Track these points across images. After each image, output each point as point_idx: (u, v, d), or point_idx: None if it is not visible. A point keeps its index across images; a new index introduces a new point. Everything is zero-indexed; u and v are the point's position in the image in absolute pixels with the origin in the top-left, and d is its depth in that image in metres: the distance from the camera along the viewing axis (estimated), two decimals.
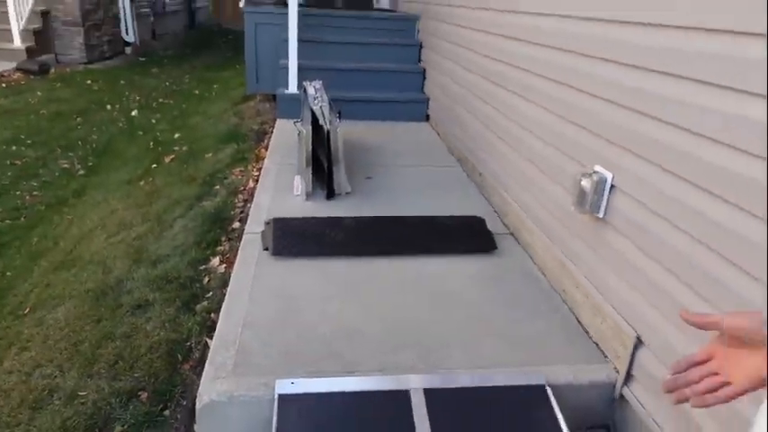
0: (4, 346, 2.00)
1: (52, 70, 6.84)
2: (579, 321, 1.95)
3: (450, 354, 1.76)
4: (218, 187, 3.30)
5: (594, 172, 1.79)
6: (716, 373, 0.71)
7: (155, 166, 3.95)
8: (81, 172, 3.98)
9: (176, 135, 4.73)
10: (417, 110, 4.63)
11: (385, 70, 4.72)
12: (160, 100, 6.17)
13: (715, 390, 0.70)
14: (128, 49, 8.75)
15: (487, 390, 1.63)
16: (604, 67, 1.82)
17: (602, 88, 1.83)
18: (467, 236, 2.54)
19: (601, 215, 1.80)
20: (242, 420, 1.54)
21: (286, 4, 4.72)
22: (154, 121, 5.33)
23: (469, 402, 1.60)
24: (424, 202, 2.89)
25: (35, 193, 3.57)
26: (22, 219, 3.17)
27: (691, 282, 1.40)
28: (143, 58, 8.61)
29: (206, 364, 1.64)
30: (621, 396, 1.68)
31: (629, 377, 1.66)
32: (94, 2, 7.58)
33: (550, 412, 1.58)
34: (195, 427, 1.59)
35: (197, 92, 6.64)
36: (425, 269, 2.26)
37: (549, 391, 1.63)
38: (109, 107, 5.67)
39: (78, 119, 5.19)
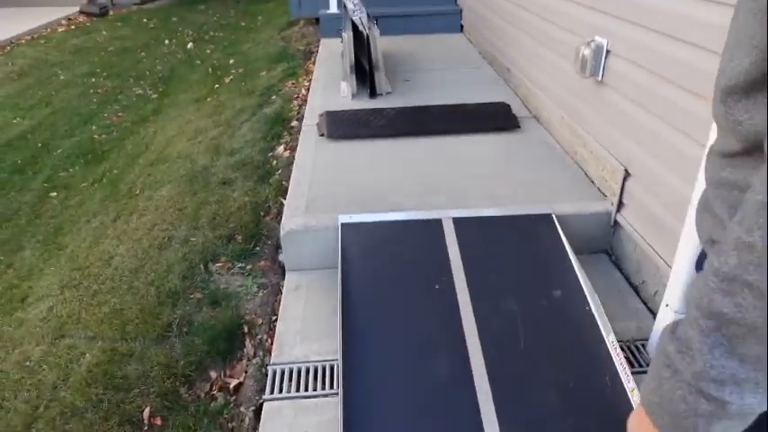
0: (126, 215, 2.57)
1: (110, 12, 7.36)
2: (586, 174, 2.33)
3: (474, 196, 2.20)
4: (274, 97, 3.75)
5: (593, 41, 2.12)
6: None
7: (217, 86, 4.43)
8: (153, 96, 4.51)
9: (231, 61, 5.18)
10: (452, 21, 4.87)
11: None
12: (211, 33, 6.60)
13: None
14: None
15: (503, 218, 2.06)
16: None
17: None
18: (494, 118, 2.91)
19: (599, 78, 2.14)
20: (315, 243, 2.04)
21: None
22: (208, 51, 5.78)
23: (489, 227, 2.04)
24: (456, 96, 3.25)
25: (120, 114, 4.13)
26: (115, 133, 3.75)
27: (669, 119, 1.75)
28: None
29: (284, 209, 2.14)
30: (616, 222, 2.08)
31: (621, 205, 2.05)
32: None
33: (555, 234, 2.00)
34: (280, 252, 2.11)
35: (243, 24, 7.02)
36: (456, 143, 2.66)
37: (555, 218, 2.04)
38: (167, 42, 6.16)
39: (142, 53, 5.71)
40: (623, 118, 2.00)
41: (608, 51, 2.09)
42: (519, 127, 2.83)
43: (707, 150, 0.69)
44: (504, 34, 3.56)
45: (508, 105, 3.02)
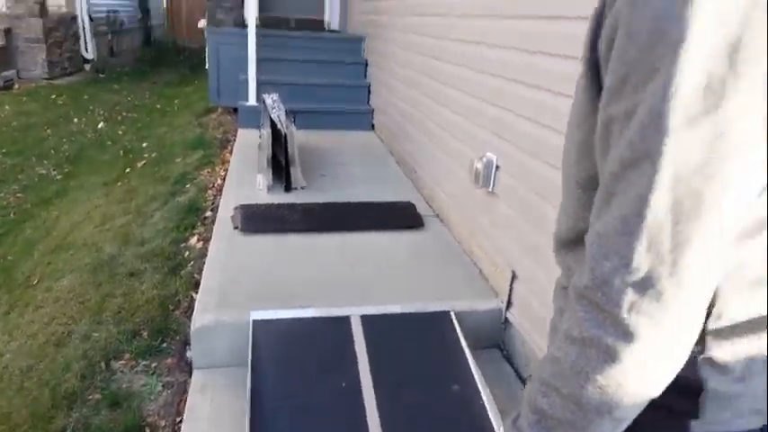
0: (21, 306, 2.45)
1: (16, 86, 7.13)
2: (481, 272, 2.57)
3: (380, 293, 2.35)
4: (189, 185, 3.80)
5: (484, 156, 2.43)
6: None
7: (128, 170, 4.40)
8: (58, 177, 4.38)
9: (144, 144, 5.17)
10: (364, 120, 5.24)
11: (335, 85, 5.33)
12: (124, 113, 6.57)
13: None
14: (87, 66, 9.05)
15: (406, 315, 2.22)
16: (494, 80, 2.47)
17: (489, 95, 2.48)
18: (399, 216, 3.14)
19: (491, 189, 2.43)
20: (225, 340, 2.07)
21: (244, 26, 5.29)
22: (120, 132, 5.74)
23: (393, 324, 2.18)
24: (367, 193, 3.48)
25: (19, 195, 3.96)
26: (12, 215, 3.58)
27: (544, 230, 2.03)
28: (102, 75, 8.93)
29: (195, 304, 2.16)
30: (506, 319, 2.30)
31: (509, 304, 2.28)
32: (55, 20, 7.91)
33: (453, 330, 2.18)
34: (188, 348, 2.11)
35: (159, 106, 7.06)
36: (366, 240, 2.84)
37: (453, 315, 2.23)
38: (76, 120, 6.04)
39: (48, 130, 5.55)
40: (510, 225, 2.28)
41: (497, 166, 2.40)
42: (423, 225, 3.07)
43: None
44: (410, 138, 3.90)
45: (414, 205, 3.28)
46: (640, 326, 0.50)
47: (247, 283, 2.33)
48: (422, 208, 3.28)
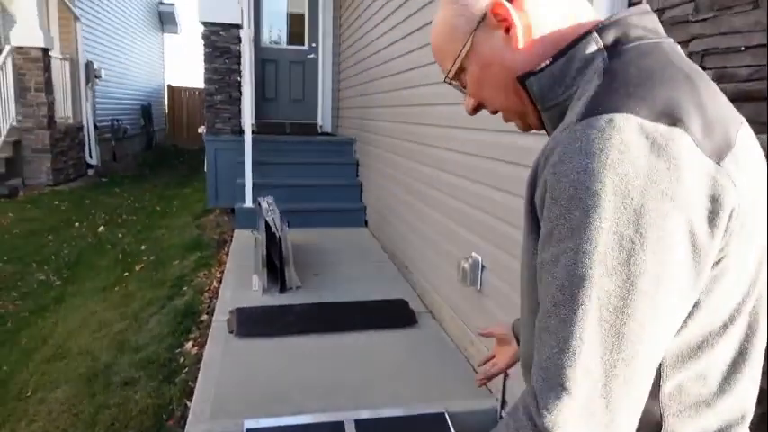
0: (14, 421, 2.42)
1: (21, 193, 7.36)
2: (474, 369, 2.59)
3: (374, 395, 2.36)
4: (185, 288, 3.86)
5: (470, 256, 2.54)
6: (495, 360, 1.27)
7: (126, 274, 4.47)
8: (57, 283, 4.44)
9: (143, 247, 5.29)
10: (357, 217, 5.42)
11: (328, 185, 5.57)
12: (124, 216, 6.75)
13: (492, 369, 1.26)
14: (90, 171, 9.40)
15: (400, 419, 2.22)
16: (482, 188, 2.64)
17: (471, 198, 2.63)
18: (394, 314, 3.20)
19: (478, 287, 2.52)
20: None
21: (241, 133, 5.61)
22: (120, 235, 5.87)
23: (387, 427, 2.17)
24: (361, 291, 3.56)
25: (17, 302, 4.00)
26: (9, 324, 3.60)
27: None
28: (105, 179, 9.24)
29: (189, 414, 2.16)
30: (502, 417, 2.29)
31: (504, 402, 2.29)
32: (62, 131, 8.32)
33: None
34: None
35: (158, 208, 7.26)
36: (360, 340, 2.87)
37: (448, 417, 2.23)
38: (77, 224, 6.20)
39: (49, 236, 5.68)
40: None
41: (483, 266, 2.51)
42: (416, 322, 3.12)
43: None
44: (402, 235, 4.04)
45: (406, 302, 3.34)
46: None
47: (242, 390, 2.34)
48: (415, 304, 3.34)
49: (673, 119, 0.56)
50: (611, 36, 0.66)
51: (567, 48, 0.68)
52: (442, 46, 0.78)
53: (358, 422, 2.17)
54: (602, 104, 0.59)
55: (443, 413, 2.24)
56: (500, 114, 0.81)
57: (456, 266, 2.72)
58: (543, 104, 0.72)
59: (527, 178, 0.68)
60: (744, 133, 0.63)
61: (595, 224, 0.55)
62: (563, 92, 0.69)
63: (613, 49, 0.66)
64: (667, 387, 0.63)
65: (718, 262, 0.60)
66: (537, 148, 2.08)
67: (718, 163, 0.57)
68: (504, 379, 2.27)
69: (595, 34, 0.67)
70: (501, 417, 2.29)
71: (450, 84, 0.82)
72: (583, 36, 0.68)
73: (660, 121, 0.56)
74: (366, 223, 5.37)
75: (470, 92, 0.80)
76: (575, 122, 0.59)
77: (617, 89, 0.60)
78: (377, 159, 4.92)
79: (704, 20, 1.18)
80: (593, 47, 0.67)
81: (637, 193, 0.55)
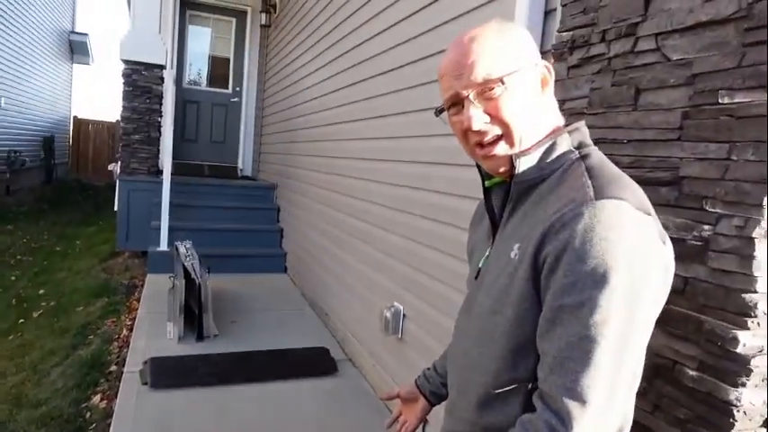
0: None
1: None
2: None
3: None
4: (92, 337, 3.65)
5: (392, 306, 2.66)
6: (405, 419, 1.35)
7: (21, 321, 4.14)
8: None
9: (41, 291, 4.93)
10: (277, 263, 5.40)
11: (248, 230, 5.52)
12: (18, 257, 6.26)
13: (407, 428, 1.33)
14: None
15: None
16: (401, 240, 2.79)
17: (393, 250, 2.77)
18: (314, 363, 3.21)
19: (399, 336, 2.63)
20: None
21: (158, 173, 5.47)
22: (13, 278, 5.44)
23: None
24: (280, 339, 3.54)
25: None
26: None
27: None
28: None
29: None
30: None
31: None
32: None
33: None
34: None
35: (59, 248, 6.80)
36: (278, 390, 2.86)
37: None
38: None
39: None
40: (419, 372, 2.45)
41: (404, 315, 2.63)
42: (337, 370, 3.15)
43: None
44: (323, 282, 4.09)
45: (327, 350, 3.37)
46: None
47: None
48: (335, 352, 3.38)
49: (646, 211, 0.80)
50: (575, 140, 0.91)
51: (553, 133, 0.91)
52: (496, 53, 0.87)
53: None
54: (607, 192, 0.79)
55: None
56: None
57: (378, 315, 2.82)
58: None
59: (534, 237, 0.82)
60: None
61: (614, 280, 0.74)
62: (544, 168, 0.90)
63: (578, 150, 0.89)
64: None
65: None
66: (447, 203, 2.26)
67: (664, 243, 0.82)
68: (423, 427, 2.37)
69: (567, 134, 0.90)
70: None
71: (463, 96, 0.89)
72: (560, 133, 0.91)
73: (640, 210, 0.79)
74: (286, 269, 5.36)
75: (491, 105, 0.87)
76: (588, 202, 0.78)
77: (609, 182, 0.81)
78: (298, 205, 4.99)
79: (595, 114, 1.42)
80: (567, 144, 0.90)
81: (638, 257, 0.76)
